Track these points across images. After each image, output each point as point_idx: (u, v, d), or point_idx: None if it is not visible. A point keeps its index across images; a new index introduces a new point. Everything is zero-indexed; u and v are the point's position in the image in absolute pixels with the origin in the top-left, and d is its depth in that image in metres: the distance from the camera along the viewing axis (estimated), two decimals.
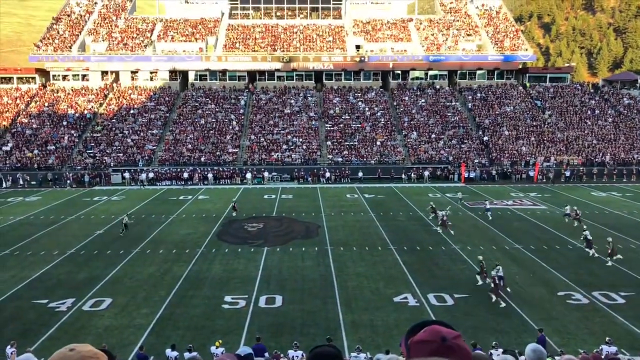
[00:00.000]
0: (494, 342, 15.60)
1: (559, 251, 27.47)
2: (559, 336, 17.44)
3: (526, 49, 69.70)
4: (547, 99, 65.27)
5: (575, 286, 22.08)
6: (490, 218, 35.05)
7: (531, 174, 52.00)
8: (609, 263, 25.02)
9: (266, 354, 14.85)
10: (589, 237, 26.84)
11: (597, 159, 54.68)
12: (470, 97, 65.42)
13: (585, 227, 29.43)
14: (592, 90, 68.83)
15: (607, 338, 15.62)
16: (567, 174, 51.76)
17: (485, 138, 58.09)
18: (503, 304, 20.15)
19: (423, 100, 64.58)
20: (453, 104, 64.08)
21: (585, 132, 59.22)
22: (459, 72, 68.70)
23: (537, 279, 23.17)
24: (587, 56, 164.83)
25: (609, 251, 25.25)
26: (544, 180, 51.14)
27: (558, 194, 44.73)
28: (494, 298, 20.56)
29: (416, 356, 1.99)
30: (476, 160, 54.55)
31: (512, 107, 63.01)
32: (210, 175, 51.40)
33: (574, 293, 21.34)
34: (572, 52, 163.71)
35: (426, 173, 51.74)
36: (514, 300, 20.49)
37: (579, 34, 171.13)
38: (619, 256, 25.31)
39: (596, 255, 26.12)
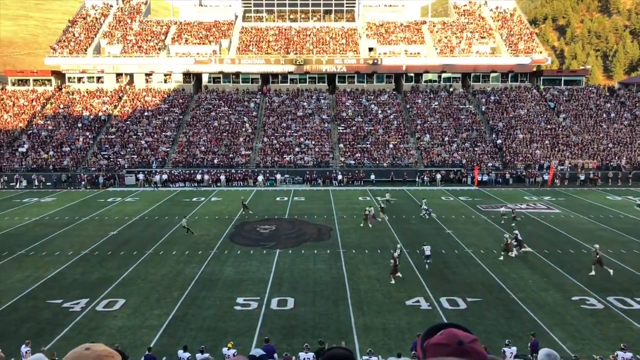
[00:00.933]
0: (507, 340, 15.63)
1: (573, 255, 27.22)
2: (573, 341, 17.27)
3: (540, 52, 69.25)
4: (561, 102, 64.73)
5: (589, 291, 21.87)
6: (427, 217, 35.79)
7: (545, 177, 51.56)
8: (501, 257, 26.24)
9: (275, 355, 14.89)
10: (520, 237, 27.33)
11: (612, 163, 54.11)
12: (483, 99, 65.07)
13: (514, 224, 30.92)
14: (607, 93, 68.11)
15: (622, 344, 15.44)
16: (582, 177, 51.28)
17: (499, 141, 57.72)
18: (392, 281, 22.90)
19: (436, 103, 64.36)
20: (466, 106, 63.77)
21: (601, 135, 58.62)
22: (472, 74, 68.37)
23: (551, 283, 22.97)
24: (602, 59, 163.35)
25: (503, 245, 26.67)
26: (559, 184, 50.74)
27: (572, 198, 44.31)
28: (392, 279, 22.98)
29: (432, 358, 2.00)
30: (490, 164, 54.22)
31: (526, 110, 62.57)
32: (222, 177, 51.60)
33: (588, 298, 21.13)
34: (587, 54, 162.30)
35: (438, 176, 51.52)
36: (527, 305, 20.34)
37: (594, 37, 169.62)
38: (513, 253, 26.39)
39: (519, 253, 26.68)
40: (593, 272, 23.77)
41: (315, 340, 16.85)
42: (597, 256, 23.87)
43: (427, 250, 25.00)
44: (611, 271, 23.59)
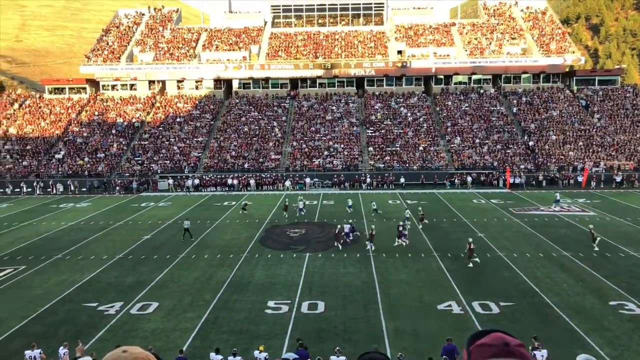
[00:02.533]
0: (536, 344, 15.33)
1: (610, 259, 26.56)
2: (611, 347, 16.84)
3: (573, 52, 67.89)
4: (596, 102, 63.29)
5: (627, 295, 21.28)
6: (374, 215, 37.64)
7: (579, 179, 50.45)
8: (368, 247, 28.55)
9: None
10: (405, 231, 29.64)
11: None
12: (515, 101, 64.09)
13: (405, 223, 31.44)
14: None
15: None
16: (618, 179, 50.02)
17: (531, 143, 56.74)
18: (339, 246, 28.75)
19: (466, 105, 63.66)
20: (497, 108, 62.92)
21: (637, 136, 57.10)
22: (503, 76, 67.43)
23: (587, 287, 22.44)
24: (638, 57, 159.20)
25: (369, 236, 29.16)
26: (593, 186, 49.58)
27: (608, 200, 43.26)
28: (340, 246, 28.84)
29: (478, 359, 2.01)
30: (522, 166, 53.33)
31: (558, 111, 61.39)
32: (252, 182, 51.97)
33: (626, 303, 20.56)
34: (622, 53, 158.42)
35: (469, 179, 50.91)
36: (562, 310, 19.93)
37: (629, 35, 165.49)
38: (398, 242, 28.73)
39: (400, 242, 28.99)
40: (470, 265, 25.48)
41: (346, 344, 16.83)
42: (469, 248, 25.69)
43: (346, 228, 30.10)
44: (471, 265, 25.40)
